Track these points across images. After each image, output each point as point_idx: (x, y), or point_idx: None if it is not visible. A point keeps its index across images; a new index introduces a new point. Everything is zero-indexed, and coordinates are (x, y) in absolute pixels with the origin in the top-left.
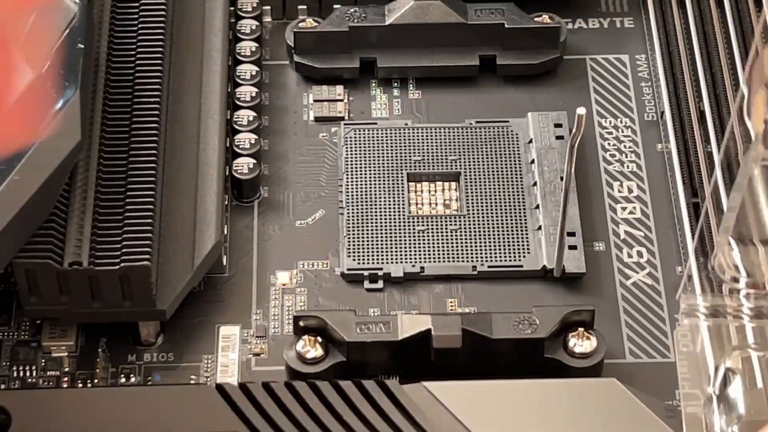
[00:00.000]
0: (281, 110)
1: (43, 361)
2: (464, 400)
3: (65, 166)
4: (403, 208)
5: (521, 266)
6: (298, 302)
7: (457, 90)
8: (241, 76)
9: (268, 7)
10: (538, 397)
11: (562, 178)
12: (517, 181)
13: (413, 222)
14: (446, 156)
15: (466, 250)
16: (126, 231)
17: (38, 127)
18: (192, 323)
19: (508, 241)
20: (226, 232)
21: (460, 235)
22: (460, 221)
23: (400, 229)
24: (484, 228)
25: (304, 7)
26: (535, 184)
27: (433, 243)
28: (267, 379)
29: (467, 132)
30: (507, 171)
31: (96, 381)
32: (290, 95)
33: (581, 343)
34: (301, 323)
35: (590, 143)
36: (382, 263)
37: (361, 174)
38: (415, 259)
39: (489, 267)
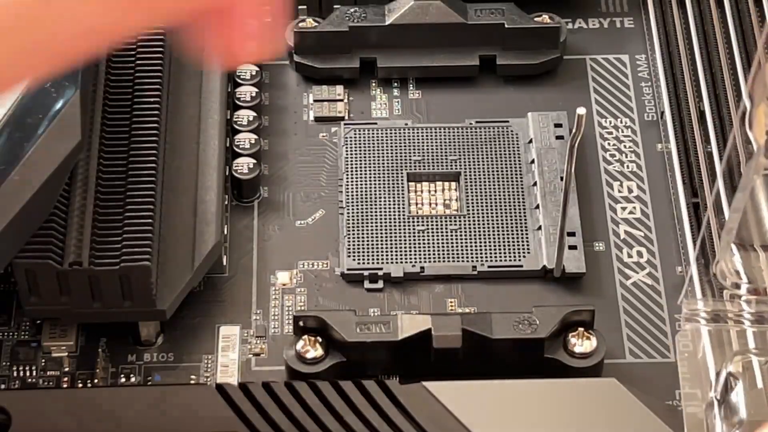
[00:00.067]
0: (281, 110)
1: (43, 361)
2: (464, 400)
3: (65, 166)
4: (403, 208)
5: (521, 266)
6: (298, 302)
7: (457, 90)
8: (241, 76)
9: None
10: (538, 397)
11: (562, 178)
12: (517, 181)
13: (413, 222)
14: (446, 156)
15: (466, 250)
16: (126, 231)
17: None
18: (192, 323)
19: (508, 241)
20: (226, 232)
21: (460, 235)
22: (460, 221)
23: (400, 229)
24: (484, 228)
25: (304, 7)
26: (535, 184)
27: (433, 243)
28: (267, 379)
29: (467, 132)
30: (507, 171)
31: (96, 381)
32: (290, 95)
33: (581, 343)
34: (301, 323)
35: (590, 143)
36: (382, 263)
37: (361, 174)
38: (415, 259)
39: (489, 267)
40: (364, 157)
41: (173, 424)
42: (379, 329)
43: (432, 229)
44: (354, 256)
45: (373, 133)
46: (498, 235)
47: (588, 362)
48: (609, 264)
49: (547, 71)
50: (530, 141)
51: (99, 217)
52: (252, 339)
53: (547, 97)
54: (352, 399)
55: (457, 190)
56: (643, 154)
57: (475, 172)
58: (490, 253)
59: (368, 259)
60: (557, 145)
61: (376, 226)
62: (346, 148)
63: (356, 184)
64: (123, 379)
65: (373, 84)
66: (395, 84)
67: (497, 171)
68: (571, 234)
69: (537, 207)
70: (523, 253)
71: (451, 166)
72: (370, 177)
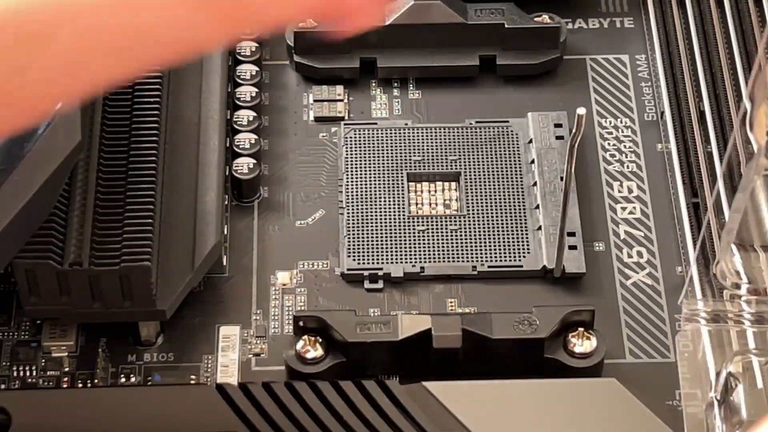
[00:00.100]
0: (281, 110)
1: (43, 361)
2: (464, 400)
3: (65, 166)
4: (403, 208)
5: (521, 266)
6: (298, 302)
7: (457, 90)
8: (241, 76)
9: None
10: (538, 397)
11: (562, 178)
12: (517, 181)
13: (413, 222)
14: (446, 156)
15: (466, 250)
16: (126, 231)
17: None
18: (192, 323)
19: (508, 241)
20: (226, 232)
21: (460, 235)
22: (460, 221)
23: (400, 229)
24: (484, 228)
25: None
26: (535, 184)
27: (433, 243)
28: (267, 379)
29: (467, 132)
30: (507, 171)
31: (96, 381)
32: (290, 95)
33: (581, 343)
34: (301, 323)
35: (590, 143)
36: (382, 263)
37: (361, 174)
38: (415, 259)
39: (489, 267)
40: (364, 157)
41: (173, 424)
42: (379, 329)
43: (432, 229)
44: (354, 256)
45: (373, 133)
46: (498, 235)
47: (588, 362)
48: (609, 264)
49: (547, 71)
50: (530, 141)
51: (99, 217)
52: (252, 339)
53: (547, 97)
54: (352, 399)
55: (457, 190)
56: (643, 154)
57: (475, 172)
58: (490, 253)
59: (368, 259)
60: (557, 145)
61: (376, 226)
62: (346, 148)
63: (356, 184)
64: (123, 379)
65: (373, 84)
66: (395, 84)
67: (497, 171)
68: (571, 234)
69: (537, 207)
70: (523, 253)
71: (451, 166)
72: (370, 177)
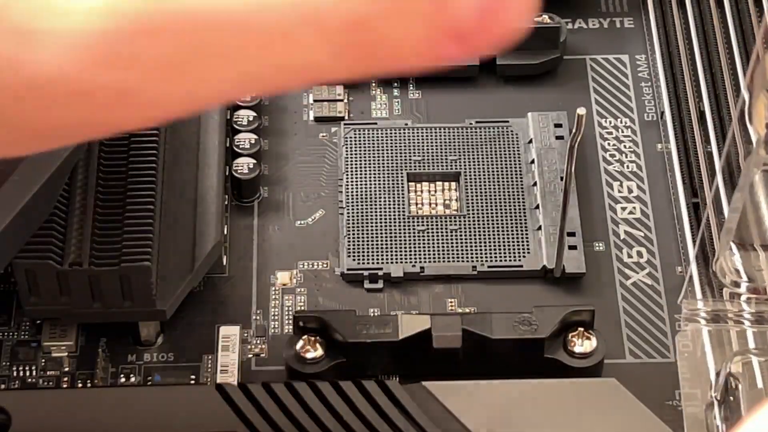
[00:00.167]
0: (281, 110)
1: (43, 361)
2: (464, 400)
3: (65, 166)
4: (403, 208)
5: (521, 266)
6: (298, 302)
7: (457, 90)
8: None
9: None
10: (538, 397)
11: (562, 178)
12: (517, 181)
13: (413, 222)
14: (446, 156)
15: (466, 250)
16: (126, 231)
17: None
18: (192, 323)
19: (508, 241)
20: (226, 232)
21: (460, 235)
22: (460, 221)
23: (400, 229)
24: (484, 228)
25: None
26: (535, 184)
27: (433, 243)
28: (267, 379)
29: (467, 132)
30: (507, 171)
31: (96, 381)
32: (290, 95)
33: (581, 343)
34: (301, 323)
35: (590, 143)
36: (382, 263)
37: (361, 174)
38: (415, 259)
39: (489, 267)
40: (364, 157)
41: (173, 424)
42: (379, 329)
43: (432, 229)
44: (354, 256)
45: (373, 133)
46: (498, 235)
47: (588, 362)
48: (609, 264)
49: (547, 71)
50: (530, 141)
51: (99, 217)
52: (252, 339)
53: (547, 97)
54: (352, 399)
55: (457, 190)
56: (643, 154)
57: (475, 172)
58: (490, 253)
59: (368, 259)
60: (557, 145)
61: (376, 226)
62: (346, 148)
63: (356, 184)
64: (123, 379)
65: (373, 84)
66: (395, 84)
67: (497, 171)
68: (571, 234)
69: (537, 207)
70: (523, 253)
71: (451, 166)
72: (370, 177)
